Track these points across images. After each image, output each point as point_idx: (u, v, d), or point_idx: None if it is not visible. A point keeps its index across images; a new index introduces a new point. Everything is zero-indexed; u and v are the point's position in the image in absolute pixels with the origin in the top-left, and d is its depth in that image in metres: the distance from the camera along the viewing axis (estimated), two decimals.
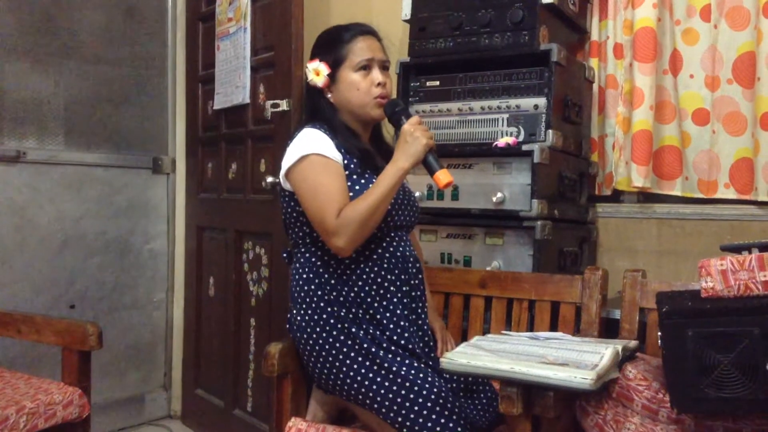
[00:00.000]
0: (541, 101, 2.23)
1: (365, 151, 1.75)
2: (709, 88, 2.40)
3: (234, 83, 2.67)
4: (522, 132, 2.25)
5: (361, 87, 1.74)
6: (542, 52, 2.23)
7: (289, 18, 2.39)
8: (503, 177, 2.22)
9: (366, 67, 1.74)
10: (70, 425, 1.99)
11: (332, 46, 1.76)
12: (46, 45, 2.74)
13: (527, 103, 2.26)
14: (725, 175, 2.37)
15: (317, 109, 1.79)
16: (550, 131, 2.19)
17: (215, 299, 2.87)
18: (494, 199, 2.20)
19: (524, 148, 2.15)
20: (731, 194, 2.36)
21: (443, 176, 1.63)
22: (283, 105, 2.37)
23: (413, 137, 1.63)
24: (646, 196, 2.54)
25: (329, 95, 1.78)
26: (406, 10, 2.53)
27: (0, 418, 1.81)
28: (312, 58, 1.80)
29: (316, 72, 1.76)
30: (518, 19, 2.26)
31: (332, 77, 1.76)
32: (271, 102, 2.40)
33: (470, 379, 1.71)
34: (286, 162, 1.70)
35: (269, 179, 2.43)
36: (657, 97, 2.42)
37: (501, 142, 2.21)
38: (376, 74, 1.75)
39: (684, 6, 2.43)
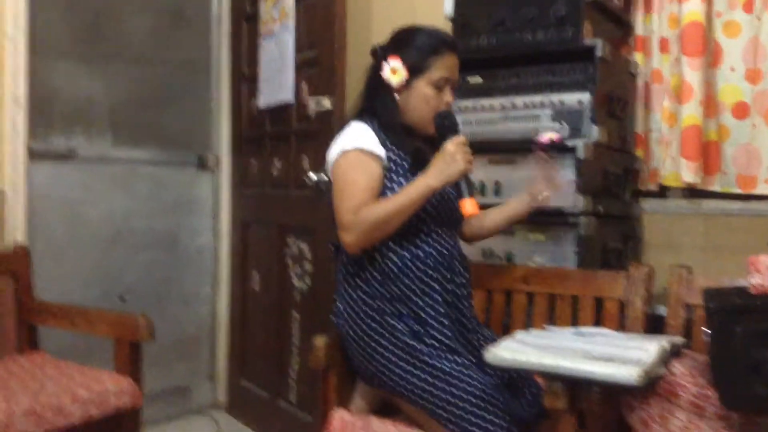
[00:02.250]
0: (585, 97, 2.21)
1: (419, 152, 1.75)
2: (749, 81, 2.36)
3: (278, 82, 2.71)
4: (566, 127, 2.24)
5: (431, 103, 1.74)
6: (586, 47, 2.22)
7: (332, 17, 2.42)
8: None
9: (441, 85, 1.74)
10: (122, 414, 2.06)
11: (416, 51, 1.74)
12: (95, 48, 2.83)
13: (571, 98, 2.24)
14: (766, 171, 2.32)
15: (379, 104, 1.77)
16: (594, 127, 2.17)
17: (260, 293, 2.92)
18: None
19: (568, 143, 2.14)
20: None
21: (470, 206, 1.63)
22: (327, 102, 2.41)
23: (453, 159, 1.62)
24: (691, 192, 2.50)
25: (396, 95, 1.76)
26: (449, 7, 2.53)
27: (55, 406, 1.88)
28: (392, 53, 1.75)
29: (394, 71, 1.73)
30: (562, 15, 2.25)
31: (406, 82, 1.74)
32: (315, 100, 2.44)
33: (514, 375, 1.72)
34: (330, 156, 1.74)
35: (312, 175, 2.46)
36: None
37: (544, 137, 2.20)
38: (448, 95, 1.76)
39: None
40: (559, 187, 1.94)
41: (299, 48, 2.62)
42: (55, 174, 2.71)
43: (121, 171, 2.92)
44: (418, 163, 1.72)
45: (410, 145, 1.74)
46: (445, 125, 1.72)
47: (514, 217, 1.98)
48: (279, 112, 2.76)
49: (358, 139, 1.71)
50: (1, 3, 2.44)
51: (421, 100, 1.74)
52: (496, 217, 1.98)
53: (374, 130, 1.73)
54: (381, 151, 1.71)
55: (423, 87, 1.74)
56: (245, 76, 3.05)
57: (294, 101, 2.64)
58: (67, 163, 2.75)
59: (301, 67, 2.61)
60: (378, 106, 1.77)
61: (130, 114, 2.94)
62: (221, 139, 3.22)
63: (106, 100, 2.87)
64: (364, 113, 1.79)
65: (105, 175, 2.87)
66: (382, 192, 1.70)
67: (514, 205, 1.97)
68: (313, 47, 2.55)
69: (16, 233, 2.47)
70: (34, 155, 2.58)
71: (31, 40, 2.53)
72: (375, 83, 1.78)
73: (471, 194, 1.64)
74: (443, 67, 1.74)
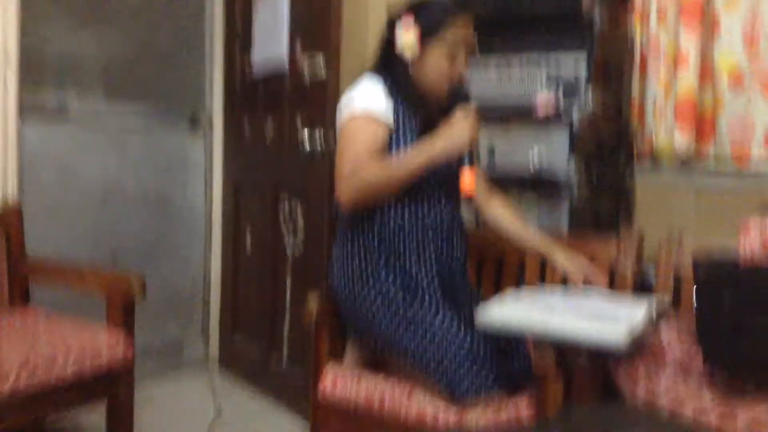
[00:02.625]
0: (582, 64, 2.21)
1: (428, 115, 1.74)
2: (747, 52, 2.36)
3: (272, 40, 2.69)
4: (561, 95, 2.24)
5: (444, 71, 1.72)
6: (584, 14, 2.21)
7: None
8: (541, 139, 2.22)
9: (455, 53, 1.72)
10: (115, 369, 2.07)
11: (432, 14, 1.71)
12: (87, 3, 2.78)
13: (567, 66, 2.24)
14: (760, 141, 2.34)
15: (391, 66, 1.74)
16: (590, 94, 2.18)
17: (253, 252, 2.93)
18: (532, 162, 2.21)
19: (563, 112, 2.15)
20: (765, 161, 2.33)
21: (468, 180, 1.61)
22: (320, 60, 2.39)
23: (461, 128, 1.61)
24: (685, 162, 2.52)
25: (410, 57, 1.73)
26: None
27: (48, 357, 1.89)
28: (409, 12, 1.71)
29: (408, 41, 1.69)
30: None
31: (420, 44, 1.70)
32: (308, 57, 2.42)
33: (504, 343, 1.72)
34: (339, 117, 1.75)
35: (306, 134, 2.46)
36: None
37: (541, 98, 2.19)
38: (461, 63, 1.73)
39: None
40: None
41: (293, 5, 2.59)
42: (46, 131, 2.69)
43: (113, 129, 2.90)
44: (425, 126, 1.72)
45: (420, 108, 1.74)
46: (457, 94, 1.73)
47: (536, 252, 1.87)
48: (272, 70, 2.73)
49: (368, 101, 1.70)
50: None
51: (435, 66, 1.71)
52: (519, 231, 1.88)
53: (386, 88, 1.72)
54: (389, 115, 1.70)
55: (436, 53, 1.70)
56: (239, 34, 3.02)
57: (287, 58, 2.61)
58: (58, 120, 2.72)
59: (295, 26, 2.59)
60: (390, 68, 1.75)
61: (122, 71, 2.91)
62: (214, 99, 3.20)
63: (99, 56, 2.84)
64: (378, 69, 1.77)
65: (97, 134, 2.85)
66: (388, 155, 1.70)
67: (549, 252, 1.82)
68: (308, 3, 2.52)
69: (8, 190, 2.45)
70: (25, 111, 2.56)
71: None
72: (388, 44, 1.75)
73: (472, 163, 1.65)
74: (459, 36, 1.71)
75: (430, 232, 1.73)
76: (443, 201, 1.75)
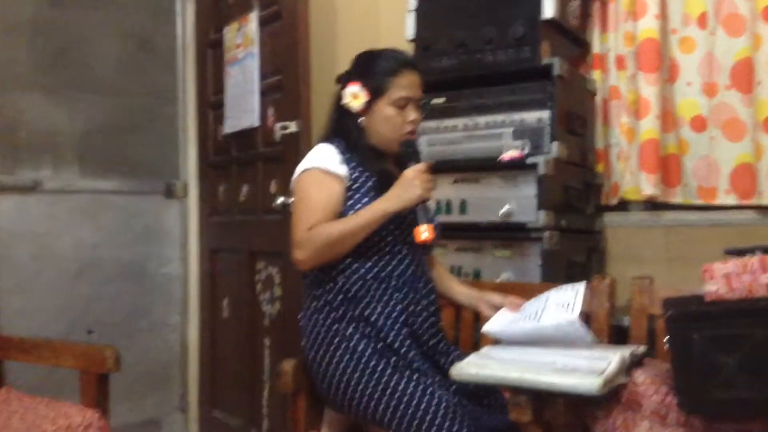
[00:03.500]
0: (545, 114, 2.26)
1: (384, 172, 1.76)
2: (706, 95, 2.42)
3: (243, 107, 2.73)
4: (527, 145, 2.28)
5: (394, 123, 1.76)
6: (544, 66, 2.27)
7: (296, 42, 2.45)
8: (510, 190, 2.25)
9: (403, 104, 1.76)
10: None
11: (375, 74, 1.76)
12: (59, 77, 2.82)
13: (531, 116, 2.29)
14: (725, 181, 2.38)
15: (344, 128, 1.79)
16: (555, 143, 2.22)
17: (230, 320, 2.91)
18: (501, 211, 2.23)
19: (529, 160, 2.18)
20: (732, 200, 2.36)
21: (423, 231, 1.65)
22: (293, 127, 2.42)
23: (411, 185, 1.65)
24: (652, 205, 2.55)
25: (360, 119, 1.78)
26: (411, 30, 2.58)
27: None
28: (352, 79, 1.77)
29: (355, 96, 1.75)
30: (520, 35, 2.30)
31: (368, 104, 1.76)
32: (281, 124, 2.45)
33: (480, 393, 1.72)
34: (293, 176, 1.77)
35: (280, 200, 2.47)
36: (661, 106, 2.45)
37: (506, 155, 2.24)
38: (411, 113, 1.77)
39: (680, 15, 2.46)
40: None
41: (264, 74, 2.64)
42: (21, 206, 2.69)
43: (88, 201, 2.91)
44: (383, 184, 1.74)
45: (375, 165, 1.76)
46: (408, 152, 1.75)
47: (455, 301, 1.97)
48: (245, 137, 2.77)
49: (320, 158, 1.73)
50: None
51: (385, 121, 1.76)
52: (448, 288, 1.97)
53: (340, 150, 1.75)
54: (342, 171, 1.72)
55: (384, 108, 1.76)
56: (211, 103, 3.06)
57: (260, 125, 2.65)
58: (33, 194, 2.73)
59: (266, 93, 2.63)
60: (343, 129, 1.79)
61: (97, 143, 2.94)
62: (188, 167, 3.22)
63: (73, 130, 2.87)
64: (331, 136, 1.82)
65: (72, 206, 2.85)
66: (345, 211, 1.71)
67: (465, 297, 1.94)
68: (278, 73, 2.57)
69: None
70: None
71: None
72: (339, 108, 1.81)
73: (428, 221, 1.67)
74: (402, 86, 1.76)
75: (393, 282, 1.72)
76: (404, 251, 1.75)
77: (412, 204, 1.65)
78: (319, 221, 1.66)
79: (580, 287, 1.70)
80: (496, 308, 1.84)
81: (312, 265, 1.70)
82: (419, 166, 1.69)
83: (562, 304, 1.65)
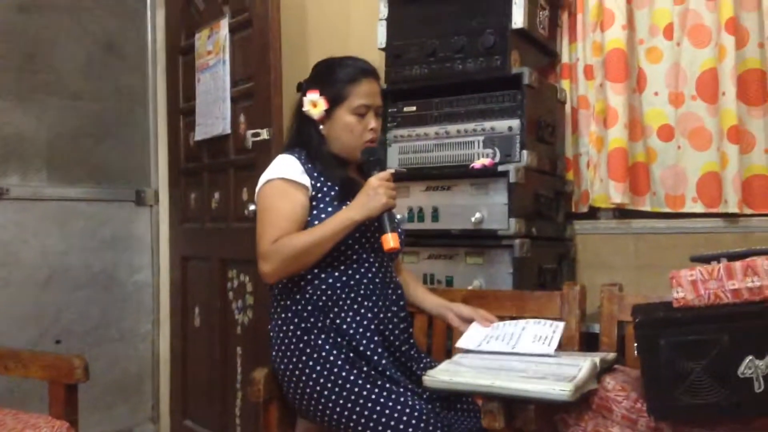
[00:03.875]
0: (515, 123, 2.29)
1: (347, 180, 1.77)
2: (673, 104, 2.47)
3: (215, 114, 2.71)
4: (498, 153, 2.31)
5: (354, 130, 1.77)
6: (514, 75, 2.30)
7: (267, 49, 2.43)
8: (481, 197, 2.27)
9: (363, 112, 1.77)
10: None
11: (334, 82, 1.77)
12: (27, 82, 2.78)
13: (502, 125, 2.32)
14: (692, 190, 2.43)
15: (305, 136, 1.80)
16: (525, 152, 2.25)
17: (201, 329, 2.88)
18: (473, 219, 2.25)
19: (500, 168, 2.21)
20: (699, 208, 2.41)
21: (390, 239, 1.65)
22: (264, 134, 2.41)
23: (375, 193, 1.65)
24: (622, 213, 2.59)
25: (321, 126, 1.79)
26: (382, 39, 2.60)
27: None
28: (311, 87, 1.79)
29: (314, 104, 1.76)
30: (490, 45, 2.33)
31: (327, 112, 1.77)
32: (252, 131, 2.44)
33: (452, 399, 1.73)
34: (257, 187, 1.76)
35: (252, 207, 2.45)
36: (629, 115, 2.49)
37: (477, 163, 2.26)
38: (370, 120, 1.78)
39: (647, 26, 2.51)
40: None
41: (235, 81, 2.63)
42: None
43: (56, 208, 2.86)
44: (346, 192, 1.75)
45: (337, 174, 1.77)
46: (371, 160, 1.76)
47: (423, 310, 1.98)
48: (216, 144, 2.75)
49: (282, 169, 1.73)
50: None
51: (345, 128, 1.77)
52: (417, 296, 1.97)
53: (301, 160, 1.75)
54: (305, 180, 1.73)
55: (344, 116, 1.76)
56: (182, 110, 3.04)
57: (231, 132, 2.63)
58: (0, 202, 2.68)
59: (237, 100, 2.62)
60: (305, 138, 1.80)
61: (65, 150, 2.89)
62: (159, 174, 3.19)
63: (41, 136, 2.82)
64: (293, 145, 1.83)
65: (40, 214, 2.80)
66: (310, 221, 1.72)
67: (434, 307, 1.94)
68: (249, 80, 2.56)
69: None
70: None
71: None
72: (300, 117, 1.82)
73: (394, 229, 1.68)
74: (362, 94, 1.77)
75: (362, 290, 1.72)
76: (371, 259, 1.75)
77: (377, 213, 1.66)
78: (284, 233, 1.66)
79: (559, 326, 1.72)
80: (465, 320, 1.85)
81: (279, 277, 1.69)
82: (383, 174, 1.70)
83: (540, 336, 1.67)
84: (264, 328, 2.43)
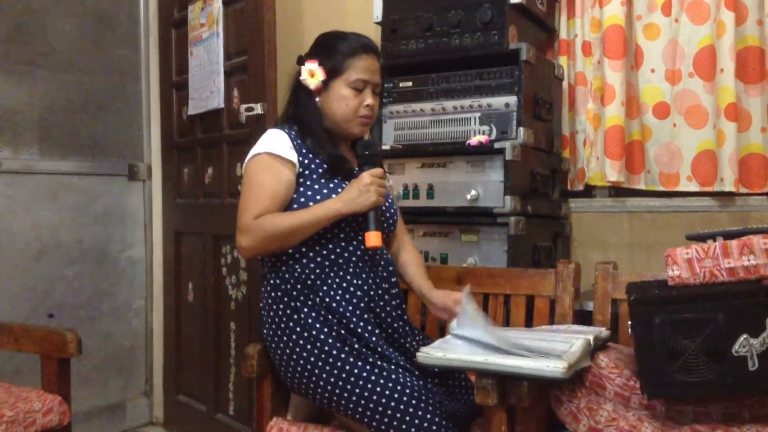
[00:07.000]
0: (512, 99, 2.27)
1: (337, 157, 1.75)
2: (669, 81, 2.46)
3: (208, 88, 2.68)
4: (494, 130, 2.29)
5: (350, 104, 1.75)
6: (511, 51, 2.27)
7: (261, 22, 2.40)
8: (477, 175, 2.26)
9: (360, 87, 1.75)
10: None
11: (334, 53, 1.76)
12: (18, 54, 2.73)
13: (498, 101, 2.29)
14: (687, 168, 2.42)
15: (300, 107, 1.79)
16: (522, 129, 2.23)
17: (194, 304, 2.88)
18: (468, 196, 2.24)
19: (496, 146, 2.19)
20: (693, 187, 2.41)
21: (373, 238, 1.65)
22: (258, 108, 2.39)
23: (366, 189, 1.64)
24: (617, 191, 2.59)
25: (317, 98, 1.78)
26: (378, 13, 2.56)
27: None
28: (310, 57, 1.78)
29: (311, 74, 1.75)
30: (487, 19, 2.30)
31: (325, 83, 1.76)
32: (246, 106, 2.42)
33: (446, 377, 1.73)
34: (245, 160, 1.75)
35: None
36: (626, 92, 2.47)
37: (473, 140, 2.25)
38: (368, 96, 1.76)
39: (645, 1, 2.48)
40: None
41: (228, 54, 2.59)
42: None
43: (48, 182, 2.83)
44: (334, 169, 1.74)
45: (327, 149, 1.75)
46: (366, 154, 1.75)
47: (416, 293, 1.91)
48: (210, 118, 2.72)
49: (271, 143, 1.72)
50: None
51: (341, 100, 1.75)
52: (413, 277, 1.91)
53: (291, 136, 1.74)
54: (293, 156, 1.71)
55: (341, 88, 1.75)
56: (175, 83, 3.00)
57: (225, 107, 2.61)
58: None
59: (231, 74, 2.59)
60: (299, 110, 1.79)
61: (57, 123, 2.86)
62: (152, 148, 3.16)
63: (32, 109, 2.78)
64: (287, 118, 1.81)
65: (31, 187, 2.78)
66: (295, 197, 1.70)
67: (425, 292, 1.87)
68: (243, 53, 2.52)
69: None
70: None
71: None
72: (297, 89, 1.81)
73: (379, 228, 1.67)
74: (361, 68, 1.75)
75: (351, 267, 1.71)
76: (360, 236, 1.73)
77: (365, 209, 1.65)
78: (267, 209, 1.65)
79: (590, 336, 1.59)
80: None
81: (255, 253, 1.69)
82: (376, 171, 1.69)
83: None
84: (257, 303, 2.43)
